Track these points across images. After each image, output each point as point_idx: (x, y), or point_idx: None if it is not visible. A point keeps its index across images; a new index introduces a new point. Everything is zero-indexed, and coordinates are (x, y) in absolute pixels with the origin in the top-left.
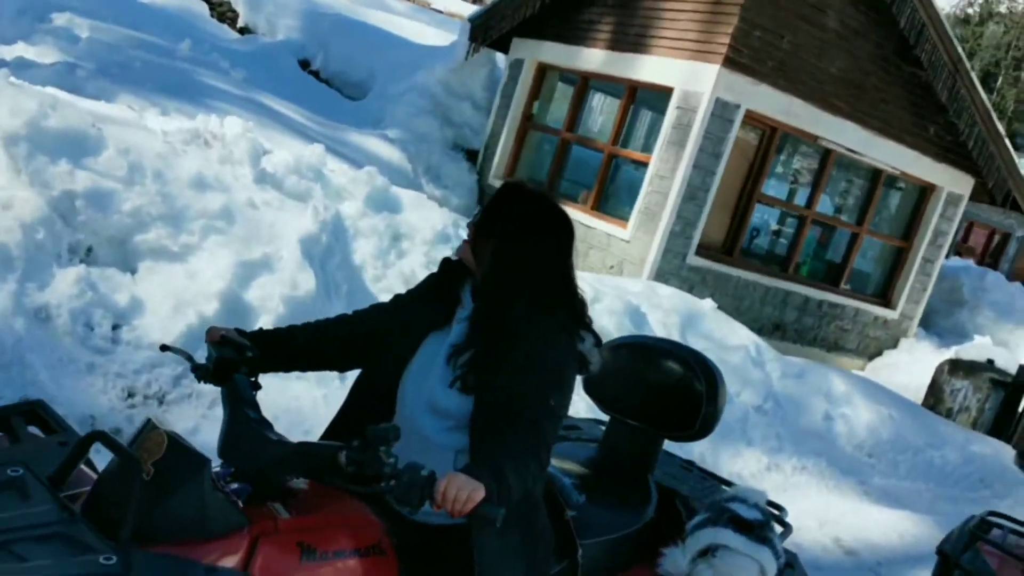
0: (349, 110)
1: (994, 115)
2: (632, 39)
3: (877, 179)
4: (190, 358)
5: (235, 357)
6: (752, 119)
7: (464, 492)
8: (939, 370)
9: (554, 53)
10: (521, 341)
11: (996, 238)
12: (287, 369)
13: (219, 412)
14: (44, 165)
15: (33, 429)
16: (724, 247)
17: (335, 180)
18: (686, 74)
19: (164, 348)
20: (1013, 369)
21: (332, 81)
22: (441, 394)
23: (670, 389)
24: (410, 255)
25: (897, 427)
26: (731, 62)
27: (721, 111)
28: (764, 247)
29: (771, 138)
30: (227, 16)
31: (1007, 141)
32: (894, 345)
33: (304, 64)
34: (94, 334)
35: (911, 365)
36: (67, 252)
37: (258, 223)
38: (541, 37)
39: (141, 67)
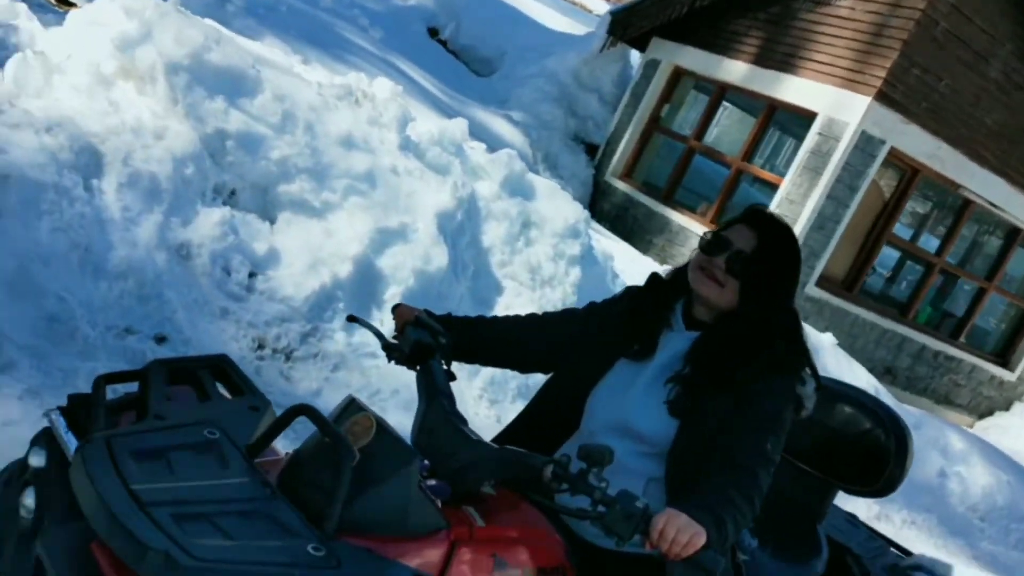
0: (476, 86)
1: None
2: (779, 57)
3: (1015, 237)
4: (380, 335)
5: (431, 342)
6: (895, 157)
7: (685, 535)
8: None
9: (693, 59)
10: (749, 381)
11: None
12: (473, 360)
13: (342, 376)
14: (201, 99)
15: (219, 387)
16: (845, 282)
17: (474, 158)
18: (833, 101)
19: (352, 319)
20: None
21: (461, 54)
22: (639, 417)
23: (854, 439)
24: (538, 244)
25: (1013, 493)
26: (883, 96)
27: (865, 144)
28: (887, 288)
29: (911, 179)
30: None
31: None
32: (1007, 407)
33: (433, 32)
34: (230, 279)
35: (1022, 429)
36: (212, 192)
37: (398, 191)
38: (682, 41)
39: (287, 11)
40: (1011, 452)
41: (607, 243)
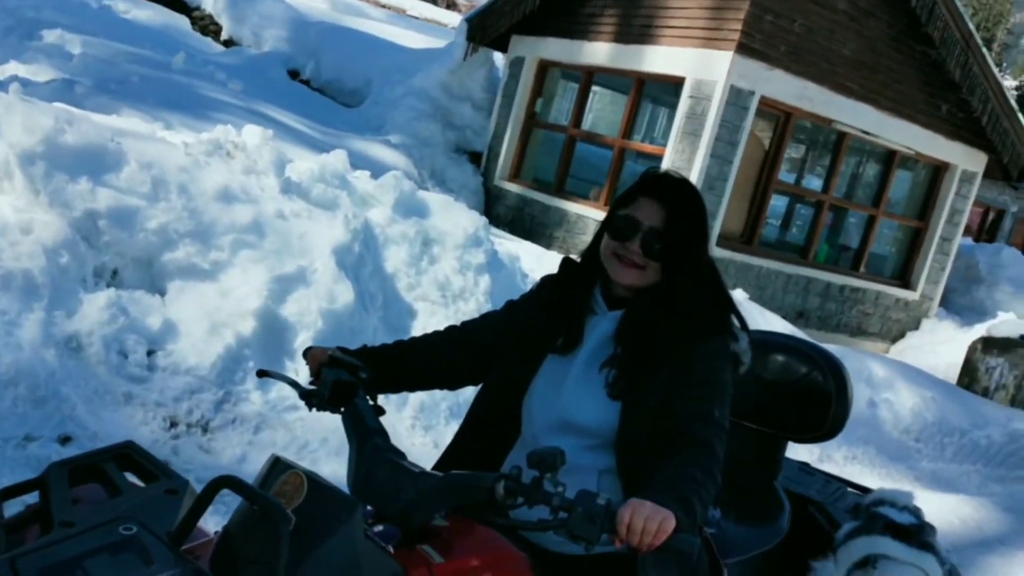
0: (347, 117)
1: (1007, 90)
2: (637, 30)
3: (891, 160)
4: (294, 384)
5: (351, 379)
6: (766, 105)
7: (654, 523)
8: (972, 349)
9: (555, 49)
10: (683, 348)
11: (991, 215)
12: (399, 389)
13: (265, 437)
14: (63, 184)
15: (129, 476)
16: (744, 237)
17: (360, 187)
18: (697, 62)
19: (262, 374)
20: None
21: (326, 90)
22: (579, 410)
23: (793, 387)
24: (442, 260)
25: (940, 409)
26: (743, 48)
27: (735, 98)
28: (783, 235)
29: (786, 124)
30: (210, 29)
31: (1020, 116)
32: (916, 327)
33: (294, 74)
34: (128, 362)
35: (935, 346)
36: (92, 276)
37: (288, 235)
38: (541, 34)
39: (139, 81)
40: (929, 368)
41: (510, 245)
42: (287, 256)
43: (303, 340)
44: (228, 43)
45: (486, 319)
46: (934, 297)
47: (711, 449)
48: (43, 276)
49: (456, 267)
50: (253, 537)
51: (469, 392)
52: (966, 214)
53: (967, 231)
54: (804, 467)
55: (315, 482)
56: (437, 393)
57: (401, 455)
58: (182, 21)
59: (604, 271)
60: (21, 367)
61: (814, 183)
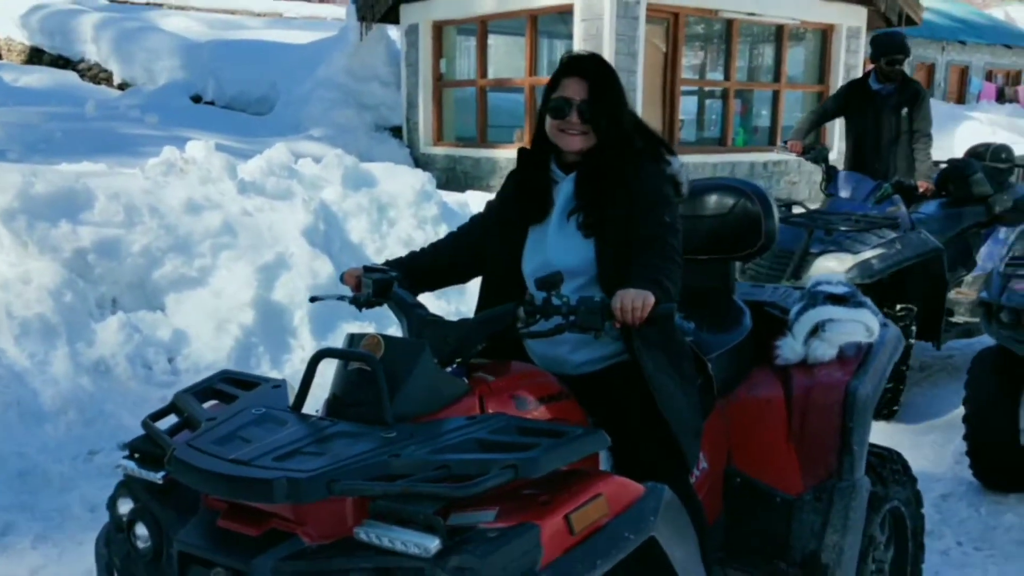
0: (264, 124)
1: None
2: None
3: (781, 35)
4: (343, 297)
5: (388, 277)
6: (654, 11)
7: (639, 300)
8: None
9: (445, 8)
10: (629, 177)
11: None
12: (419, 291)
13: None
14: (47, 231)
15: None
16: None
17: (308, 172)
18: None
19: (314, 299)
20: None
21: (233, 105)
22: (562, 256)
23: (729, 216)
24: (400, 221)
25: None
26: None
27: (624, 11)
28: (700, 132)
29: (676, 24)
30: (100, 77)
31: None
32: None
33: (196, 100)
34: (153, 372)
35: None
36: (96, 307)
37: (258, 229)
38: None
39: (63, 136)
40: None
41: (456, 196)
42: (263, 248)
43: (300, 317)
44: (123, 86)
45: (473, 221)
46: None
47: (666, 243)
48: (55, 316)
49: (414, 223)
50: (353, 389)
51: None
52: (860, 67)
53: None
54: (754, 285)
55: (389, 338)
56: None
57: (438, 317)
58: (71, 77)
59: (553, 147)
60: (65, 397)
61: (718, 75)
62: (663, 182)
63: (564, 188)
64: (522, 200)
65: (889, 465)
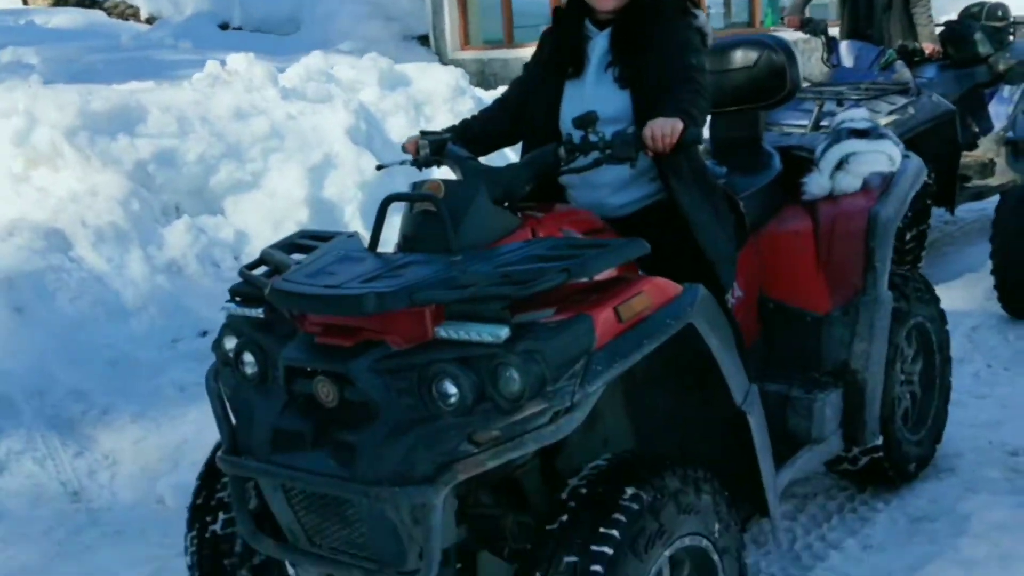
0: (294, 43)
1: None
2: None
3: None
4: (405, 161)
5: (442, 137)
6: None
7: (667, 127)
8: None
9: None
10: (659, 30)
11: None
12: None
13: None
14: (107, 146)
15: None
16: None
17: (345, 75)
18: None
19: (380, 167)
20: None
21: (261, 28)
22: (601, 104)
23: (753, 69)
24: (437, 118)
25: None
26: None
27: None
28: (728, 17)
29: None
30: (127, 14)
31: None
32: None
33: (224, 27)
34: (221, 268)
35: None
36: (161, 214)
37: (303, 131)
38: None
39: (104, 66)
40: None
41: (490, 93)
42: (309, 149)
43: (351, 211)
44: (150, 20)
45: (513, 84)
46: None
47: (693, 79)
48: (125, 223)
49: (451, 119)
50: (420, 227)
51: None
52: None
53: None
54: (783, 134)
55: (448, 181)
56: None
57: (490, 165)
58: (99, 15)
59: (585, 6)
60: (144, 295)
61: None
62: (692, 32)
63: (599, 43)
64: (558, 56)
65: (912, 283)
